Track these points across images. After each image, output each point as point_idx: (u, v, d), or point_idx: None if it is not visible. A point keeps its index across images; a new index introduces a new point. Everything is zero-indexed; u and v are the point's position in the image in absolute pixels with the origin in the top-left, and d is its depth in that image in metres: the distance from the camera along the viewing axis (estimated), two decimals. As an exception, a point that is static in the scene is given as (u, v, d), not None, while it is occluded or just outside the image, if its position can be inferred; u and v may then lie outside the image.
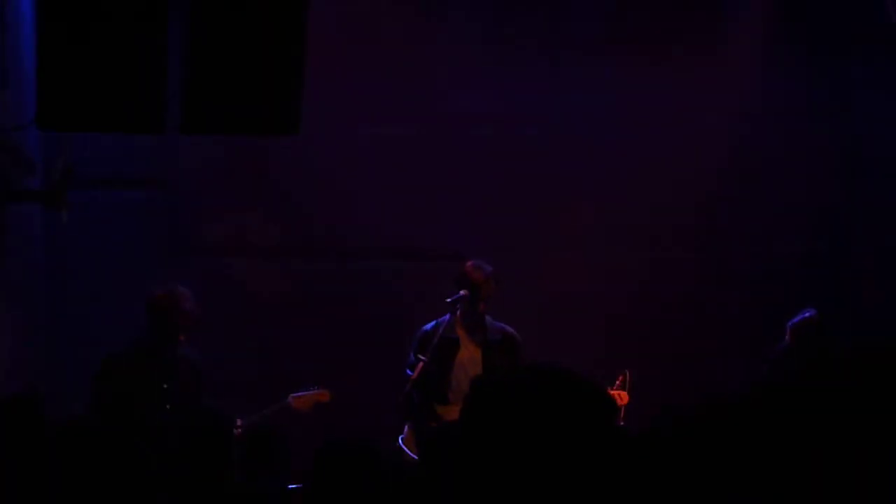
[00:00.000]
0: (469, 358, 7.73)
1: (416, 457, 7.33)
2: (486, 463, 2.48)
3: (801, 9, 9.21)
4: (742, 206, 9.48)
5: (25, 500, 4.02)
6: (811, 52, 9.33)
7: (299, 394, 7.79)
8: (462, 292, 7.63)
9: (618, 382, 7.73)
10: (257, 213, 9.26)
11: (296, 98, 6.48)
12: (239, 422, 7.39)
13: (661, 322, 9.30)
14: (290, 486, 6.10)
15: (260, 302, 9.22)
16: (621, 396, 7.63)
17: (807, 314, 7.95)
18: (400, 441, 7.72)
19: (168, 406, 7.20)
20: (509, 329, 7.84)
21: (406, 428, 7.72)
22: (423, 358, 7.51)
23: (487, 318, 7.80)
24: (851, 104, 9.36)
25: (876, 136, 9.32)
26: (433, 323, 7.79)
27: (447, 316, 7.73)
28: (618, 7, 9.29)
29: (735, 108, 9.31)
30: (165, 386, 7.27)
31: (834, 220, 9.42)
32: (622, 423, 7.42)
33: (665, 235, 9.35)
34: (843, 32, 9.22)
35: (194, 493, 4.93)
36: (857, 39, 9.20)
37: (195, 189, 9.14)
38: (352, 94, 9.15)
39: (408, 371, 7.67)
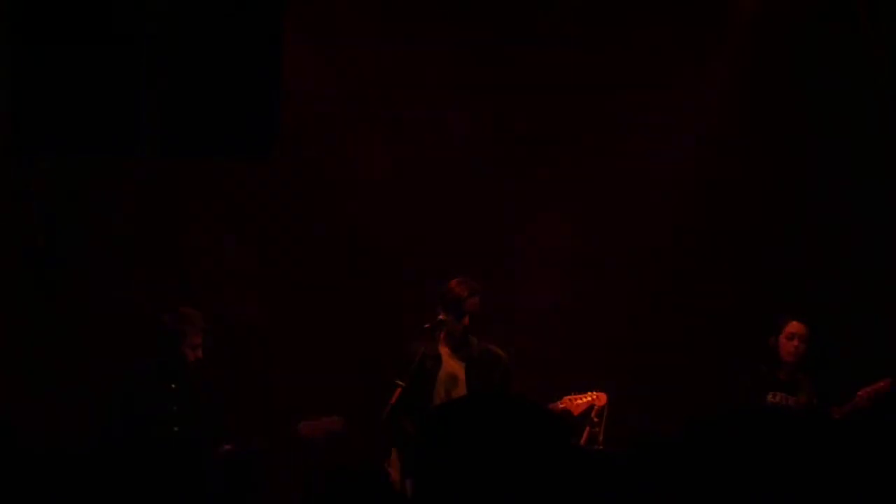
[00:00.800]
0: (451, 376, 7.63)
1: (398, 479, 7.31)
2: (443, 487, 2.47)
3: (784, 19, 9.23)
4: (723, 228, 9.49)
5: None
6: (785, 73, 9.35)
7: (310, 421, 7.74)
8: (441, 317, 7.57)
9: (596, 408, 7.67)
10: (239, 241, 9.23)
11: (271, 124, 6.47)
12: (227, 447, 7.36)
13: (647, 336, 9.30)
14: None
15: (240, 329, 9.17)
16: (598, 400, 7.55)
17: (797, 322, 7.98)
18: (386, 465, 7.65)
19: (175, 429, 7.23)
20: (495, 348, 7.74)
21: (393, 452, 7.64)
22: (400, 383, 7.45)
23: (472, 338, 7.70)
24: (835, 106, 9.34)
25: (861, 142, 9.33)
26: (417, 342, 7.67)
27: (430, 336, 7.63)
28: (596, 34, 9.30)
29: (711, 130, 9.32)
30: (175, 408, 7.29)
31: (825, 230, 9.40)
32: (594, 445, 7.40)
33: (647, 256, 9.35)
34: (828, 40, 9.23)
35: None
36: (838, 42, 9.21)
37: (176, 214, 9.10)
38: (327, 117, 9.15)
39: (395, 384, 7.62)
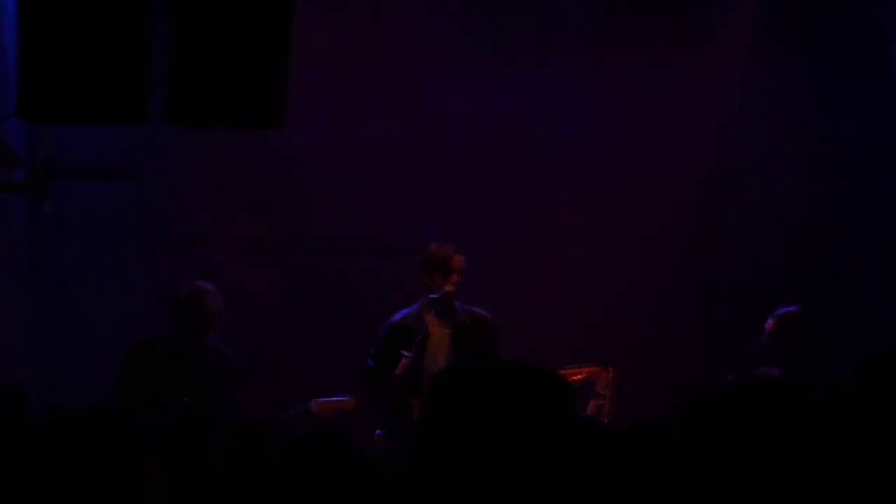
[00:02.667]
0: (438, 344, 7.57)
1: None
2: (445, 454, 2.46)
3: (787, 14, 9.17)
4: (730, 211, 9.46)
5: (6, 495, 3.98)
6: (798, 57, 9.29)
7: (324, 400, 7.68)
8: (447, 288, 7.54)
9: (603, 379, 7.66)
10: (239, 207, 9.21)
11: (281, 90, 6.45)
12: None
13: (645, 327, 9.28)
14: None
15: (244, 296, 9.17)
16: (599, 375, 7.55)
17: (791, 308, 7.95)
18: (376, 434, 7.64)
19: (185, 398, 7.11)
20: (480, 311, 7.69)
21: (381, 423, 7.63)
22: (407, 354, 7.42)
23: (457, 302, 7.66)
24: (840, 108, 9.31)
25: (863, 139, 9.28)
26: (400, 314, 7.67)
27: (414, 306, 7.63)
28: (604, 11, 9.25)
29: (723, 114, 9.29)
30: (187, 378, 7.15)
31: (821, 230, 9.37)
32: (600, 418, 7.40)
33: (651, 239, 9.32)
34: (830, 36, 9.18)
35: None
36: (843, 42, 9.16)
37: (178, 180, 9.09)
38: (338, 89, 9.14)
39: (367, 360, 7.59)
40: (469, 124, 9.24)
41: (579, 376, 7.55)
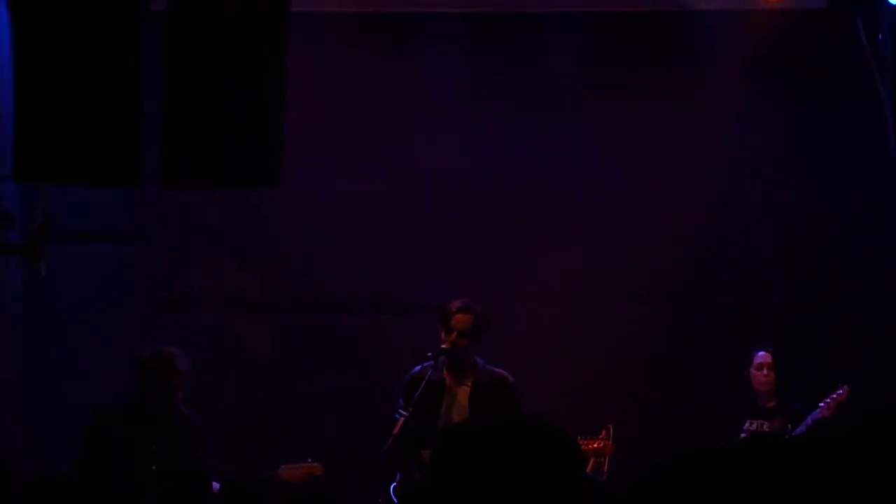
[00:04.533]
0: (456, 401, 7.57)
1: None
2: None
3: (779, 63, 9.24)
4: (721, 257, 9.46)
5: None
6: (790, 104, 9.35)
7: (291, 465, 7.62)
8: (444, 345, 7.53)
9: (601, 435, 7.70)
10: (238, 267, 9.22)
11: (275, 149, 6.48)
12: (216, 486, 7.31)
13: (643, 372, 9.26)
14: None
15: (241, 357, 9.17)
16: (605, 448, 7.60)
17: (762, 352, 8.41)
18: (391, 490, 7.59)
19: (153, 467, 7.10)
20: (499, 371, 7.67)
21: (398, 475, 7.59)
22: (404, 413, 7.40)
23: (479, 360, 7.65)
24: (831, 156, 9.36)
25: (854, 184, 9.33)
26: (420, 366, 7.64)
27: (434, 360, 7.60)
28: (595, 58, 9.31)
29: (713, 159, 9.31)
30: (153, 446, 7.17)
31: (814, 272, 9.39)
32: (599, 475, 7.39)
33: (644, 285, 9.32)
34: (822, 84, 9.24)
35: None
36: (835, 91, 9.22)
37: (175, 242, 9.11)
38: (332, 147, 9.18)
39: (395, 416, 7.56)
40: (460, 177, 9.28)
41: (590, 447, 7.56)
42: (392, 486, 7.56)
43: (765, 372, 8.39)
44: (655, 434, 8.27)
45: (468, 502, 2.47)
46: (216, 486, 7.30)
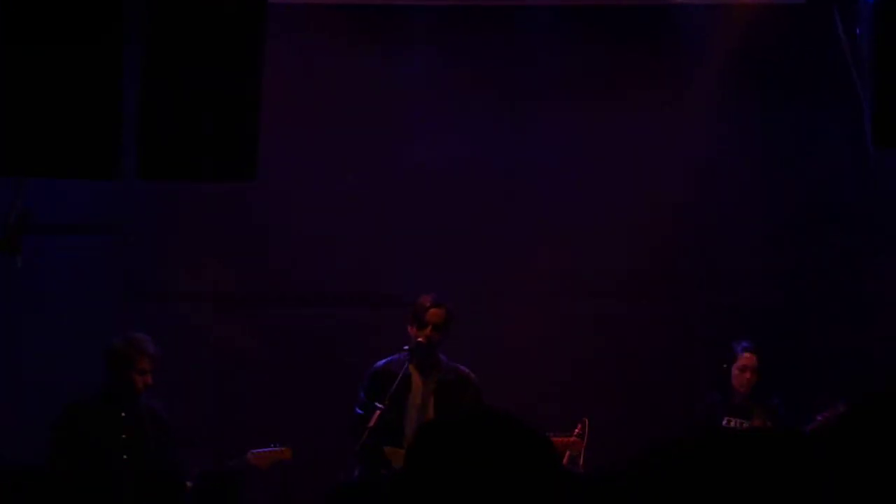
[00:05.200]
0: (421, 397, 7.56)
1: None
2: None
3: (758, 57, 9.27)
4: (700, 255, 9.49)
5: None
6: (768, 99, 9.38)
7: (259, 451, 7.62)
8: (419, 339, 7.54)
9: (577, 430, 7.73)
10: (216, 261, 9.21)
11: (251, 143, 6.49)
12: (189, 484, 7.31)
13: (619, 370, 9.28)
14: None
15: (217, 349, 9.17)
16: (577, 444, 7.63)
17: (745, 344, 8.35)
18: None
19: (125, 457, 7.12)
20: (463, 369, 7.68)
21: (356, 472, 7.59)
22: (379, 406, 7.39)
23: (442, 357, 7.67)
24: (809, 152, 9.40)
25: (832, 179, 9.37)
26: (384, 361, 7.64)
27: (400, 354, 7.61)
28: (575, 55, 9.32)
29: (693, 153, 9.33)
30: (124, 436, 7.18)
31: (796, 267, 9.43)
32: (575, 468, 7.42)
33: (623, 283, 9.34)
34: (800, 80, 9.28)
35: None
36: (813, 86, 9.26)
37: (152, 235, 9.10)
38: (312, 141, 9.18)
39: (357, 409, 7.55)
40: (446, 174, 9.28)
41: (564, 442, 7.59)
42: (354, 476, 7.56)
43: (748, 375, 8.34)
44: (639, 430, 8.30)
45: (445, 496, 2.48)
46: (189, 484, 7.34)
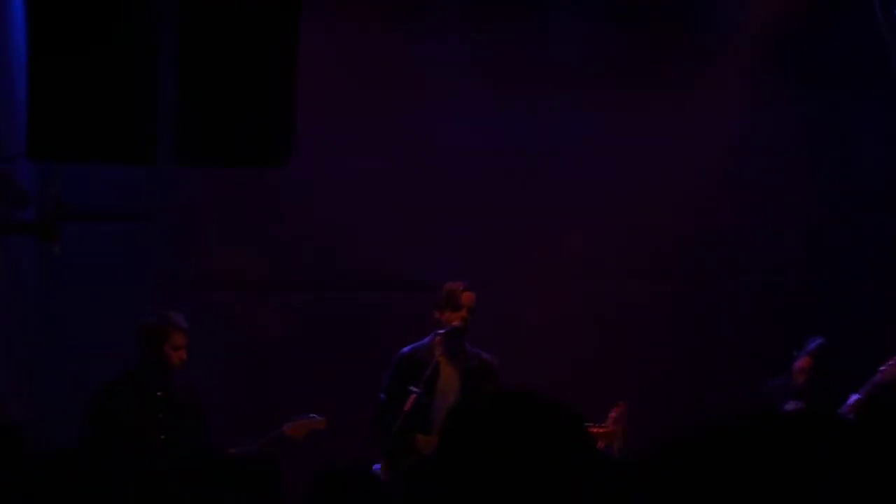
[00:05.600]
0: (449, 382, 7.58)
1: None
2: (463, 492, 2.46)
3: (788, 40, 9.22)
4: (734, 239, 9.46)
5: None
6: (800, 81, 9.34)
7: (294, 421, 7.69)
8: (455, 323, 7.54)
9: (612, 416, 7.70)
10: (248, 246, 9.24)
11: (287, 129, 6.49)
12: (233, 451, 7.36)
13: (652, 353, 9.27)
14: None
15: (252, 335, 9.20)
16: (613, 434, 7.60)
17: (820, 341, 8.14)
18: (376, 469, 7.60)
19: (162, 437, 7.15)
20: (487, 355, 7.69)
21: (384, 457, 7.58)
22: (415, 390, 7.40)
23: (467, 343, 7.67)
24: (844, 137, 9.35)
25: (867, 164, 9.31)
26: (411, 347, 7.67)
27: (426, 339, 7.63)
28: (605, 39, 9.30)
29: (724, 141, 9.32)
30: (161, 416, 7.21)
31: (828, 252, 9.39)
32: (609, 452, 7.40)
33: (655, 266, 9.33)
34: (831, 62, 9.23)
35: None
36: (844, 69, 9.20)
37: (187, 221, 9.14)
38: (342, 126, 9.19)
39: (381, 395, 7.56)
40: (473, 157, 9.29)
41: (598, 431, 7.56)
42: (376, 466, 7.57)
43: (802, 377, 8.25)
44: (663, 415, 8.29)
45: (479, 479, 2.47)
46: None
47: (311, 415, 7.73)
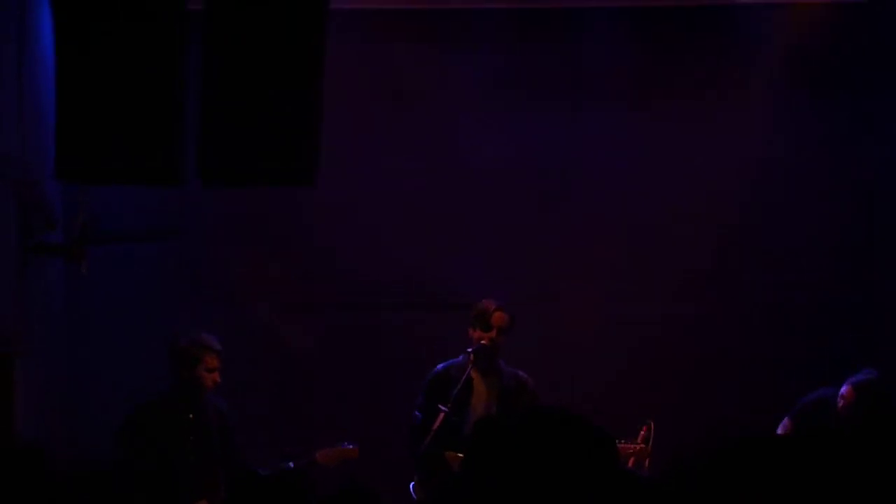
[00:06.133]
0: (484, 403, 7.59)
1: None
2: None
3: (818, 56, 9.19)
4: (764, 252, 9.42)
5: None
6: (829, 97, 9.29)
7: (326, 450, 7.64)
8: (483, 342, 7.54)
9: (642, 433, 7.67)
10: (276, 263, 9.26)
11: (313, 148, 6.50)
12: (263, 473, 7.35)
13: (680, 370, 9.23)
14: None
15: (280, 352, 9.22)
16: (644, 451, 7.56)
17: (871, 375, 7.78)
18: (410, 488, 7.61)
19: (192, 459, 7.16)
20: (522, 374, 7.70)
21: (417, 474, 7.59)
22: (443, 408, 7.39)
23: (501, 361, 7.68)
24: (871, 150, 9.30)
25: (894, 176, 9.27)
26: (445, 364, 7.68)
27: (460, 357, 7.64)
28: (636, 53, 9.29)
29: (753, 152, 9.27)
30: (192, 438, 7.22)
31: (857, 266, 9.34)
32: (639, 471, 7.37)
33: (685, 282, 9.29)
34: (861, 78, 9.19)
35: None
36: (875, 85, 9.17)
37: (214, 240, 9.16)
38: (371, 142, 9.20)
39: (416, 413, 7.57)
40: (503, 173, 9.27)
41: (630, 450, 7.53)
42: (411, 485, 7.58)
43: (842, 403, 7.71)
44: (702, 432, 8.25)
45: (502, 494, 2.47)
46: (263, 472, 7.36)
47: (346, 443, 7.67)
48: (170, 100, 6.43)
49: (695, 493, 3.16)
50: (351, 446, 7.67)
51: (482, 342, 7.54)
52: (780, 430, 7.81)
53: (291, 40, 6.47)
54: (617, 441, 7.52)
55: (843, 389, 7.73)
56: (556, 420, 2.55)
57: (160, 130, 6.42)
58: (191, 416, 7.25)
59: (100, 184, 7.14)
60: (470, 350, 7.55)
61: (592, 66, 9.31)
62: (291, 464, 7.52)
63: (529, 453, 2.49)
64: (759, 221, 9.38)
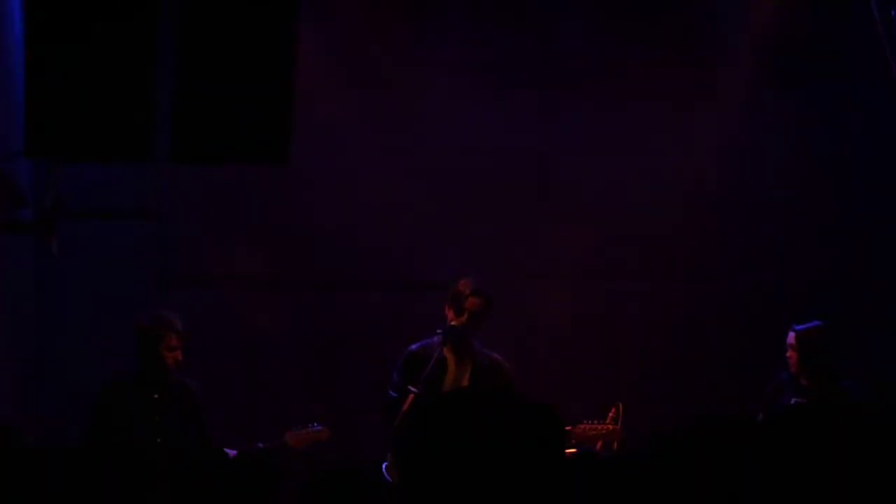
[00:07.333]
0: (456, 382, 7.56)
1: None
2: (421, 481, 2.44)
3: (792, 39, 9.21)
4: (734, 239, 9.45)
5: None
6: (802, 80, 9.32)
7: (296, 431, 7.62)
8: (453, 322, 7.54)
9: (611, 414, 7.68)
10: (250, 245, 9.23)
11: (285, 128, 6.47)
12: (232, 454, 7.34)
13: (653, 353, 9.26)
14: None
15: (251, 333, 9.19)
16: (614, 433, 7.57)
17: (814, 323, 7.89)
18: (383, 468, 7.61)
19: (159, 440, 7.13)
20: (497, 356, 7.68)
21: (389, 455, 7.59)
22: (413, 389, 7.40)
23: (476, 343, 7.67)
24: (844, 133, 9.34)
25: (866, 164, 9.31)
26: (419, 344, 7.66)
27: (434, 337, 7.63)
28: (609, 41, 9.29)
29: (726, 138, 9.30)
30: (157, 419, 7.19)
31: (830, 251, 9.38)
32: (607, 451, 7.39)
33: (656, 267, 9.32)
34: (834, 61, 9.22)
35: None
36: (848, 67, 9.20)
37: (185, 219, 9.12)
38: (351, 124, 9.17)
39: (390, 392, 7.57)
40: (481, 157, 9.27)
41: (597, 432, 7.54)
42: (384, 465, 7.57)
43: (789, 353, 7.89)
44: (676, 412, 8.27)
45: (434, 473, 2.45)
46: (232, 452, 7.35)
47: (315, 425, 7.65)
48: (142, 76, 6.38)
49: (658, 473, 3.16)
50: (321, 428, 7.65)
51: (452, 323, 7.53)
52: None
53: (265, 19, 6.44)
54: (587, 422, 7.58)
55: (788, 336, 7.85)
56: (487, 398, 2.52)
57: (132, 107, 6.38)
58: (156, 395, 7.21)
59: (70, 161, 7.10)
60: (440, 331, 7.54)
61: (564, 52, 9.31)
62: (261, 444, 7.50)
63: (455, 432, 2.47)
64: (740, 202, 9.43)
